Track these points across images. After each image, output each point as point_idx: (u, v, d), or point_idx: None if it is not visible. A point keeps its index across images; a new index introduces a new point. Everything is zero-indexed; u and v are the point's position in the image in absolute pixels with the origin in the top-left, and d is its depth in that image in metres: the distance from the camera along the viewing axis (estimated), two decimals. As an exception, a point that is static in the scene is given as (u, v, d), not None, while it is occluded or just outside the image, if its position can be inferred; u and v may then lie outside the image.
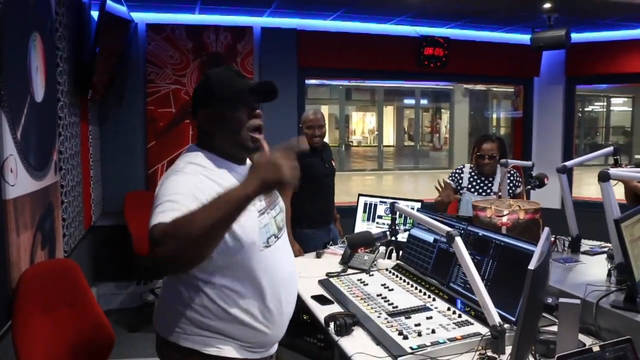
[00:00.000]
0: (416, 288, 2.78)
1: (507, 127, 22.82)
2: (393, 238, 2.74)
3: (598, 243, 3.63)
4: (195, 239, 1.31)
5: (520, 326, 1.59)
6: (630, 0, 4.60)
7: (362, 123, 27.96)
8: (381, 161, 22.54)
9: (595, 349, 1.63)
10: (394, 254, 3.37)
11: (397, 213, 2.79)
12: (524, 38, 5.80)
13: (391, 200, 3.63)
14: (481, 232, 2.68)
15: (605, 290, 2.50)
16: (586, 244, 3.58)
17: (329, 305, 2.62)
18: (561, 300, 1.81)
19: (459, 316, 2.39)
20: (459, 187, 4.14)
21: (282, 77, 5.44)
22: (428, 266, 2.93)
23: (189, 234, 1.30)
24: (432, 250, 2.95)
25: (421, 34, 5.72)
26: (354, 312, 2.43)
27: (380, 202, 3.77)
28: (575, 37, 6.00)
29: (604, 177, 2.54)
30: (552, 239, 3.54)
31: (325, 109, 24.41)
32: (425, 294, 2.69)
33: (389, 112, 26.16)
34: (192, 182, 1.57)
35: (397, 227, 2.74)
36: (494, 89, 20.96)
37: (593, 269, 3.06)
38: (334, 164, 4.30)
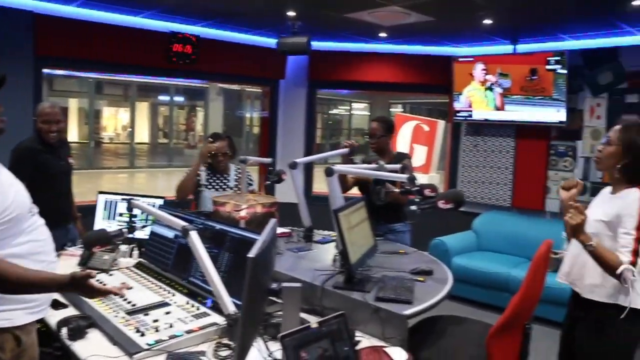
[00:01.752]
0: (156, 285, 2.79)
1: (260, 126, 23.62)
2: (131, 235, 2.72)
3: (329, 232, 3.98)
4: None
5: (243, 311, 1.71)
6: (359, 17, 5.12)
7: (114, 119, 26.68)
8: (133, 159, 21.80)
9: (314, 325, 1.81)
10: (135, 252, 3.35)
11: (134, 210, 2.77)
12: (271, 42, 6.12)
13: (126, 198, 3.59)
14: (217, 226, 2.79)
15: (330, 274, 2.80)
16: (319, 234, 3.92)
17: (63, 309, 2.49)
18: (284, 284, 1.98)
19: (197, 309, 2.46)
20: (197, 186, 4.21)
21: (14, 64, 4.93)
22: (169, 262, 2.95)
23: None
24: (173, 246, 2.98)
25: (171, 30, 5.69)
26: (90, 313, 2.37)
27: (122, 199, 3.69)
28: (318, 45, 6.53)
29: (329, 172, 2.85)
30: (289, 230, 3.84)
31: (73, 103, 22.85)
32: (165, 290, 2.72)
33: (143, 108, 25.36)
34: None
35: (134, 224, 2.72)
36: (248, 89, 21.61)
37: (323, 256, 3.39)
38: (71, 161, 4.09)
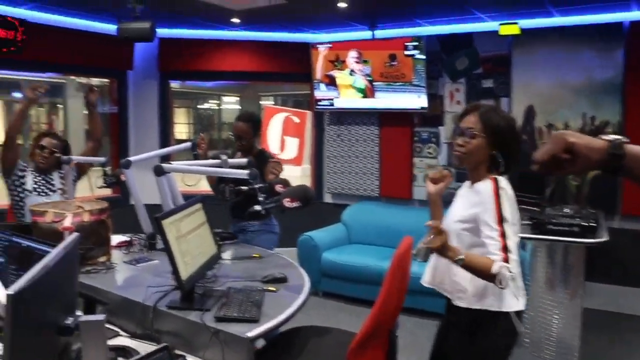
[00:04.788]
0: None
1: (110, 123, 22.38)
2: None
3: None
4: None
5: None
6: (208, 0, 4.71)
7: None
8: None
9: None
10: None
11: None
12: (113, 28, 5.51)
13: None
14: (25, 243, 2.29)
15: (164, 291, 2.39)
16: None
17: None
18: (81, 319, 1.55)
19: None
20: (23, 192, 3.62)
21: None
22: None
23: None
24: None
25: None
26: None
27: None
28: (167, 32, 6.02)
29: (158, 171, 2.42)
30: (127, 238, 3.37)
31: None
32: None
33: (-5, 106, 23.24)
34: None
35: None
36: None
37: (166, 266, 2.92)
38: None
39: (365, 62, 5.76)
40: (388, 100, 5.78)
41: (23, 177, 3.61)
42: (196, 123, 24.59)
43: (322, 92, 6.10)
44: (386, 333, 2.30)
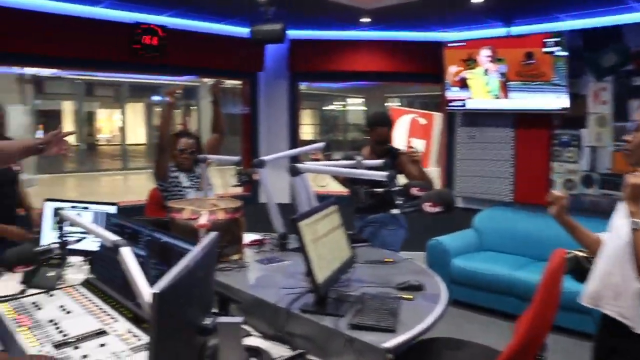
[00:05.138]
0: (100, 308, 2.35)
1: (243, 124, 23.14)
2: (61, 251, 2.28)
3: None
4: None
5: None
6: (337, 0, 4.68)
7: (109, 121, 26.25)
8: (126, 160, 21.32)
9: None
10: (86, 266, 2.89)
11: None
12: (245, 31, 5.65)
13: (76, 205, 3.15)
14: (164, 239, 2.34)
15: (298, 294, 2.35)
16: (296, 240, 3.46)
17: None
18: (219, 320, 1.53)
19: (139, 339, 2.02)
20: (181, 191, 3.76)
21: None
22: (118, 280, 2.50)
23: None
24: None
25: (135, 21, 5.21)
26: (11, 348, 1.96)
27: (73, 207, 3.24)
28: (297, 34, 6.07)
29: (293, 171, 2.39)
30: (260, 237, 3.39)
31: (68, 105, 22.39)
32: (108, 314, 2.27)
33: (138, 108, 24.93)
34: None
35: (65, 238, 2.28)
36: (239, 87, 21.12)
37: (297, 268, 2.90)
38: (16, 168, 3.60)
39: (499, 60, 5.48)
40: (524, 100, 5.45)
41: (177, 177, 3.76)
42: (322, 124, 24.97)
43: (453, 92, 5.88)
44: (533, 354, 2.10)
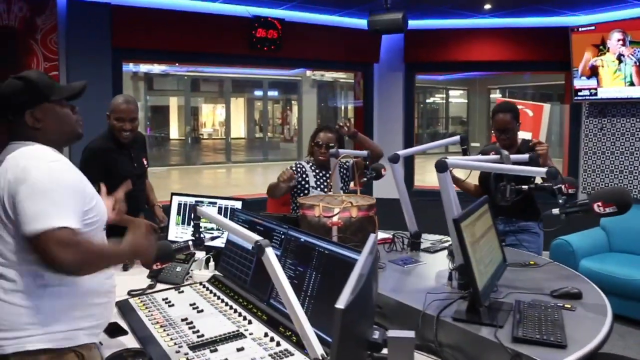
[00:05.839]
0: (231, 307, 2.27)
1: (354, 117, 23.14)
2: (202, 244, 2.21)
3: (439, 238, 3.37)
4: (95, 270, 1.74)
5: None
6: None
7: (212, 115, 27.01)
8: (229, 154, 21.84)
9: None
10: (211, 263, 2.83)
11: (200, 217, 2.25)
12: (361, 23, 5.50)
13: (201, 200, 3.11)
14: (303, 238, 2.21)
15: (446, 299, 2.15)
16: (427, 240, 3.27)
17: (122, 336, 2.03)
18: (390, 334, 1.36)
19: (278, 344, 1.92)
20: (306, 186, 3.67)
21: (93, 58, 4.69)
22: (247, 278, 2.42)
23: (95, 267, 1.74)
24: (252, 259, 2.44)
25: (253, 14, 5.18)
26: (148, 346, 1.91)
27: (197, 202, 3.20)
28: (414, 24, 5.82)
29: (441, 167, 2.18)
30: (390, 236, 3.22)
31: (173, 101, 23.28)
32: (240, 315, 2.19)
33: (239, 103, 25.47)
34: (74, 173, 1.81)
35: (201, 234, 2.20)
36: (342, 80, 21.06)
37: (434, 269, 2.76)
38: (145, 162, 3.62)
39: (636, 43, 4.99)
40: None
41: (306, 175, 3.67)
42: (422, 117, 24.43)
43: (582, 81, 5.44)
44: None
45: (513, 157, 2.65)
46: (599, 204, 2.05)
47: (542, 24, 5.74)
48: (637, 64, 5.05)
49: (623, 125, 5.48)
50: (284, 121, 26.73)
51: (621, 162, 5.51)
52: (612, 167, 5.58)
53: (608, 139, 5.60)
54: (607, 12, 5.36)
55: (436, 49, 5.99)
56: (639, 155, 5.39)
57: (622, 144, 5.49)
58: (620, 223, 5.22)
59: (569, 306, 2.15)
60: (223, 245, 2.74)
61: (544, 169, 2.24)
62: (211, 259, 2.82)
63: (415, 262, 2.85)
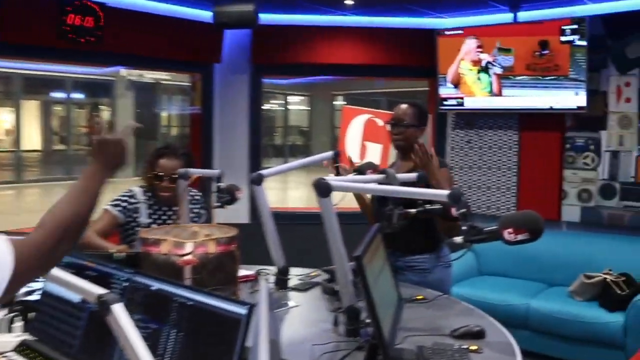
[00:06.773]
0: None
1: (181, 127, 22.74)
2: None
3: (306, 271, 3.31)
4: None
5: None
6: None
7: (-5, 121, 25.05)
8: (21, 171, 20.38)
9: None
10: (19, 324, 2.45)
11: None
12: (204, 15, 5.34)
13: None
14: (155, 285, 1.99)
15: (337, 350, 2.07)
16: (295, 276, 3.17)
17: None
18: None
19: None
20: (134, 224, 3.38)
21: None
22: (74, 342, 2.13)
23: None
24: (80, 315, 2.15)
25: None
26: None
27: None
28: (263, 18, 5.73)
29: (324, 191, 2.06)
30: (253, 272, 3.10)
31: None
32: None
33: (32, 107, 23.88)
34: None
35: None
36: (164, 82, 20.61)
37: (311, 312, 2.73)
38: None
39: (505, 50, 5.35)
40: (531, 98, 5.36)
41: (137, 209, 3.42)
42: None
43: (448, 89, 5.73)
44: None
45: (400, 176, 2.63)
46: (510, 230, 2.09)
47: (406, 24, 5.96)
48: (500, 73, 5.41)
49: (490, 138, 5.83)
50: (90, 130, 25.47)
51: (489, 178, 5.85)
52: (479, 183, 5.91)
53: (476, 152, 5.93)
54: (475, 15, 5.69)
55: (289, 48, 5.95)
56: (508, 171, 5.75)
57: (490, 158, 5.84)
58: (490, 244, 5.50)
59: (475, 348, 2.19)
60: (37, 299, 2.40)
61: (445, 192, 2.23)
62: (18, 318, 2.46)
63: (286, 305, 2.74)
